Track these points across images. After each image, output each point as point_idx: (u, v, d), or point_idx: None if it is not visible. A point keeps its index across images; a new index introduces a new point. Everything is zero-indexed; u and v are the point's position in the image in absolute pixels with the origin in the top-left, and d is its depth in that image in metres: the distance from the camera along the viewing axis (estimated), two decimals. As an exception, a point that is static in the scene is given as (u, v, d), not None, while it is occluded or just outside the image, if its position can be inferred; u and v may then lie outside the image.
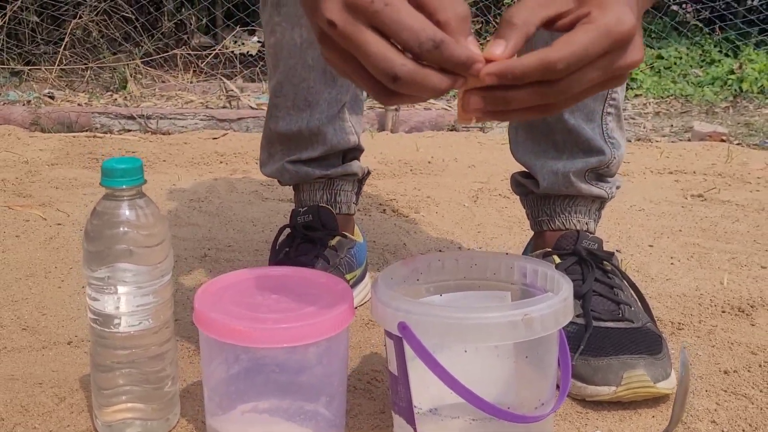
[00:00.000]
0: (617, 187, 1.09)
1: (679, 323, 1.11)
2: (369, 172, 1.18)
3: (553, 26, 0.64)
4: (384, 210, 1.68)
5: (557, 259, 1.02)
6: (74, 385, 0.93)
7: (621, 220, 1.62)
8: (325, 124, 1.09)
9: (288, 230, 1.09)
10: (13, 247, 1.45)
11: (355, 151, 1.13)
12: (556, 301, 0.72)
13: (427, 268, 0.83)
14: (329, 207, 1.10)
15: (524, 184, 1.07)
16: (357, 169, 1.13)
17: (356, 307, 1.14)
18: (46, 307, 1.19)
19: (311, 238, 1.07)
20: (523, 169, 1.09)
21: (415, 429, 0.74)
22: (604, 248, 1.04)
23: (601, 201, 1.07)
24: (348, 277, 1.10)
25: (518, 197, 1.12)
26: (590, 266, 0.99)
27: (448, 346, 0.71)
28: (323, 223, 1.09)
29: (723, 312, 1.16)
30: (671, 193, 1.80)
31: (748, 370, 0.99)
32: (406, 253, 1.41)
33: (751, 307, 1.18)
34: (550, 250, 1.03)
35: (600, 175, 1.07)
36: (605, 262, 1.01)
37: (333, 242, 1.08)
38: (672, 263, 1.37)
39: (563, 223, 1.05)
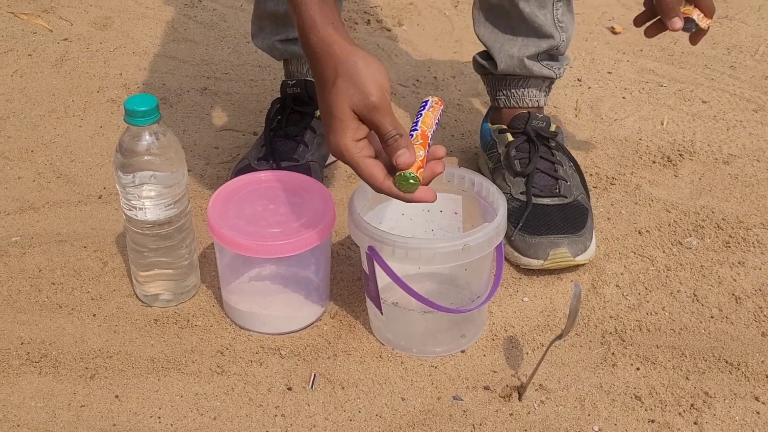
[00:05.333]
0: (566, 66, 1.23)
1: (613, 178, 1.31)
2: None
3: None
4: (368, 21, 1.79)
5: (510, 137, 1.20)
6: (113, 248, 1.16)
7: (590, 35, 1.75)
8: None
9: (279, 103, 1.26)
10: (28, 69, 1.60)
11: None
12: (490, 230, 0.92)
13: (394, 177, 1.02)
14: (315, 80, 1.25)
15: (485, 66, 1.22)
16: (339, 45, 1.26)
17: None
18: (73, 152, 1.37)
19: (300, 111, 1.23)
20: (484, 49, 1.23)
21: (381, 313, 0.98)
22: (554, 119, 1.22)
23: (551, 80, 1.22)
24: (332, 139, 1.28)
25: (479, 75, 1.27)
26: (536, 146, 1.17)
27: (406, 264, 0.93)
28: (310, 95, 1.24)
29: (653, 162, 1.35)
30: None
31: (659, 230, 1.21)
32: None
33: (680, 155, 1.37)
34: (505, 127, 1.21)
35: (551, 55, 1.21)
36: (550, 140, 1.19)
37: (318, 113, 1.25)
38: (624, 97, 1.54)
39: (517, 102, 1.21)
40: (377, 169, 0.85)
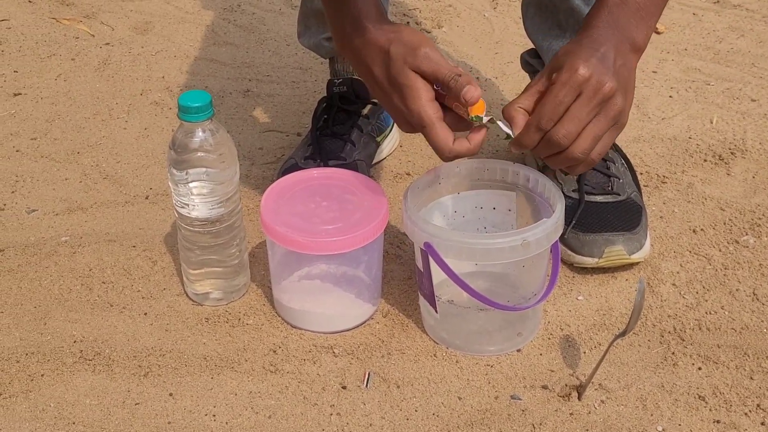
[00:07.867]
0: None
1: (664, 176, 1.28)
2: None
3: None
4: (407, 23, 1.79)
5: (560, 135, 1.18)
6: (161, 248, 1.16)
7: (632, 34, 1.72)
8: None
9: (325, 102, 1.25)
10: (71, 73, 1.60)
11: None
12: (549, 225, 0.91)
13: (447, 174, 1.01)
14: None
15: (533, 64, 1.21)
16: (386, 42, 1.25)
17: (385, 158, 1.33)
18: (119, 153, 1.38)
19: (346, 109, 1.23)
20: (532, 46, 1.21)
21: (436, 311, 0.96)
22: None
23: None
24: (378, 139, 1.27)
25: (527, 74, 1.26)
26: (588, 143, 1.15)
27: (463, 261, 0.91)
28: (356, 93, 1.24)
29: (705, 161, 1.33)
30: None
31: (714, 228, 1.19)
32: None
33: (731, 153, 1.34)
34: (555, 125, 1.19)
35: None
36: (602, 137, 1.17)
37: (365, 111, 1.24)
38: (671, 96, 1.51)
39: (568, 100, 1.19)
40: (449, 134, 0.87)
